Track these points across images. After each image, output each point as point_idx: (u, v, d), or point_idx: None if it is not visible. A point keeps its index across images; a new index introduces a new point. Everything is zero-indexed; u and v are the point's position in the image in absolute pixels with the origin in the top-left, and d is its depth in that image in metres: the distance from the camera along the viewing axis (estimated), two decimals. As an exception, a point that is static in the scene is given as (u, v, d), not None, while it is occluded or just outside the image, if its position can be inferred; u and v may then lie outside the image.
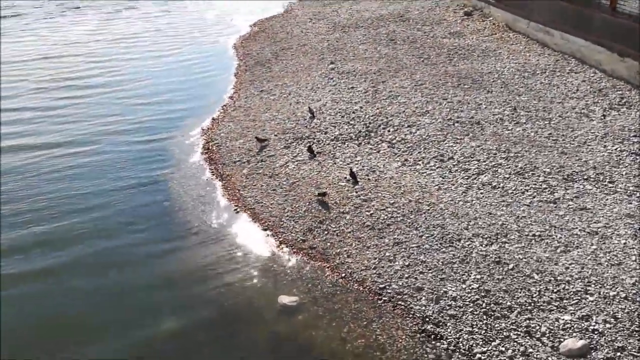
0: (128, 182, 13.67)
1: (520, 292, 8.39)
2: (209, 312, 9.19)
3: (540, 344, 7.40)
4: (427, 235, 10.39)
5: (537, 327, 7.67)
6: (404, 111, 15.53)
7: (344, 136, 14.64)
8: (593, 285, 8.30)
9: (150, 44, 26.40)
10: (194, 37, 27.59)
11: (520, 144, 13.36)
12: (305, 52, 22.10)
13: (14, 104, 18.69)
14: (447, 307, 8.40)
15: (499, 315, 8.04)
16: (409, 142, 14.02)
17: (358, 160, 13.56)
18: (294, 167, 13.59)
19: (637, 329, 7.34)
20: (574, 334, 7.43)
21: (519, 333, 7.65)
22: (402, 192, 11.96)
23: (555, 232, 9.81)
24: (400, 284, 9.16)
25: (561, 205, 10.68)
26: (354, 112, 15.67)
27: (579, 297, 8.11)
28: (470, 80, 17.48)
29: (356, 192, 12.25)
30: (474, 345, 7.60)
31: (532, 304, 8.12)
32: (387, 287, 9.16)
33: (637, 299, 7.88)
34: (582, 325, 7.56)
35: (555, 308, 7.98)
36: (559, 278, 8.57)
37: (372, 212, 11.46)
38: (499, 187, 11.64)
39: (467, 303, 8.40)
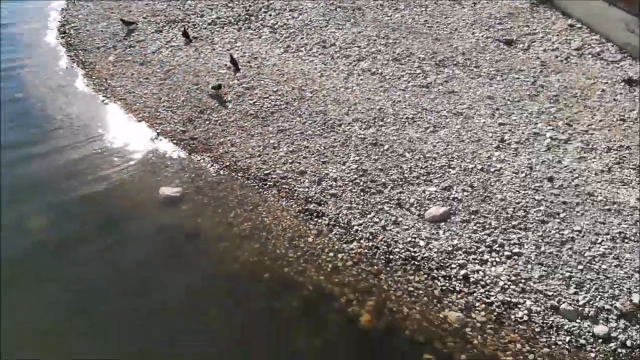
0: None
1: (393, 170, 9.06)
2: (83, 208, 8.65)
3: (409, 213, 8.23)
4: (310, 121, 10.53)
5: (407, 199, 8.46)
6: (285, -6, 14.76)
7: (222, 20, 13.69)
8: (455, 160, 9.23)
9: None
10: None
11: (399, 30, 13.61)
12: None
13: None
14: (328, 188, 8.84)
15: (374, 191, 8.68)
16: (291, 27, 13.56)
17: (238, 47, 12.90)
18: (168, 54, 12.57)
19: (488, 195, 8.43)
20: (438, 203, 8.34)
21: (391, 205, 8.39)
22: (285, 80, 11.78)
23: (426, 114, 10.51)
24: (285, 169, 9.35)
25: (432, 89, 11.36)
26: (232, -6, 14.55)
27: (443, 171, 8.99)
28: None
29: (238, 80, 11.81)
30: (352, 219, 8.22)
31: (404, 180, 8.86)
32: (272, 172, 9.31)
33: (491, 170, 8.96)
34: (445, 194, 8.49)
35: (422, 182, 8.80)
36: (427, 155, 9.36)
37: (255, 100, 11.22)
38: (377, 73, 11.95)
39: (346, 183, 8.90)
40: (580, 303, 6.69)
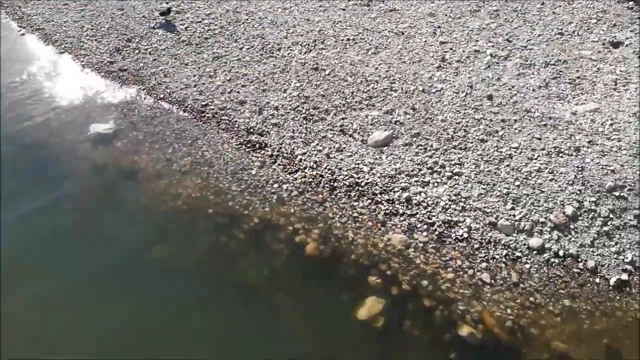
0: None
1: (335, 96, 8.84)
2: (7, 152, 8.04)
3: (352, 139, 8.15)
4: (247, 46, 9.96)
5: (350, 125, 8.34)
6: None
7: None
8: (397, 82, 9.08)
9: None
10: None
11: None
12: None
13: None
14: (270, 117, 8.56)
15: (317, 118, 8.49)
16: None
17: (164, -35, 11.75)
18: (85, -25, 11.31)
19: (430, 116, 8.43)
20: (380, 127, 8.28)
21: (334, 132, 8.26)
22: (217, 1, 10.95)
23: (367, 35, 10.15)
24: (223, 99, 8.92)
25: (374, 7, 10.90)
26: None
27: (385, 95, 8.86)
28: None
29: (167, 2, 10.87)
30: (295, 148, 8.06)
31: (346, 105, 8.68)
32: (210, 103, 8.88)
33: (432, 91, 8.90)
34: (387, 118, 8.41)
35: (365, 107, 8.65)
36: (369, 79, 9.15)
37: (187, 25, 10.44)
38: (317, -9, 11.30)
39: (288, 111, 8.63)
40: (517, 218, 7.00)
